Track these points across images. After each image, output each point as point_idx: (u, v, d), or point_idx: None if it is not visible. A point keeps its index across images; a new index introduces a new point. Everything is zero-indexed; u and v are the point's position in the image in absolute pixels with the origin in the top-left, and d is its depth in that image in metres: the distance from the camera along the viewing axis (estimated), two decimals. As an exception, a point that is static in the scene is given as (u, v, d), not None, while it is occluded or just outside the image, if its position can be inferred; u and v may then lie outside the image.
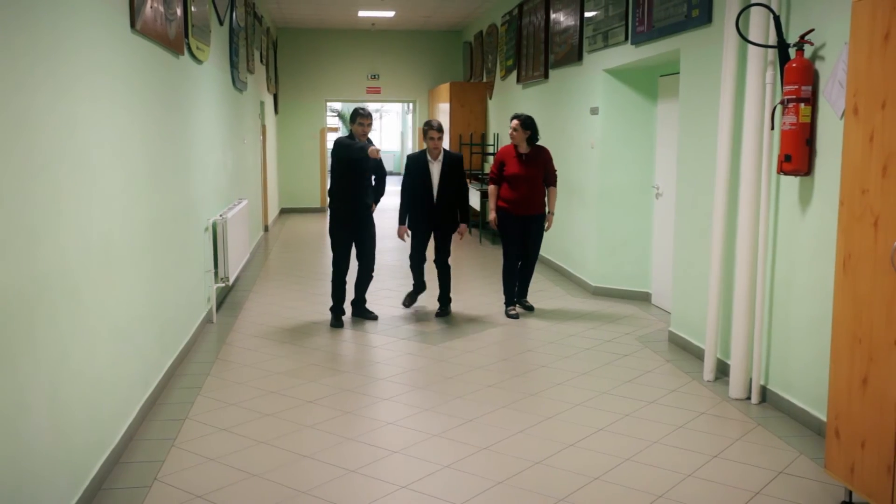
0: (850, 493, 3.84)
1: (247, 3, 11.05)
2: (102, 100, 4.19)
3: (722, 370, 5.82)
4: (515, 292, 8.24)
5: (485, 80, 15.37)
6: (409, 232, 8.02)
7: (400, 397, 5.57)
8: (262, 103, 13.64)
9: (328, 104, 18.62)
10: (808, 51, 4.93)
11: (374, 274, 7.82)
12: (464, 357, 6.53)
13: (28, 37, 3.17)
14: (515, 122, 7.88)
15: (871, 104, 3.67)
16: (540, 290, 9.38)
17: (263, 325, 7.57)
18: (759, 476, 4.19)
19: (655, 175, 8.62)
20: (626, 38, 7.99)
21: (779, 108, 5.13)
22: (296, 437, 4.74)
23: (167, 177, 5.78)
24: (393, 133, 31.45)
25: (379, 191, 7.89)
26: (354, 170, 7.36)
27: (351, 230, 7.54)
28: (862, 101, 3.73)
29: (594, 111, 9.09)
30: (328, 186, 7.74)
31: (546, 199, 8.16)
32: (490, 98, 15.03)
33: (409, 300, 8.41)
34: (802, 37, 4.95)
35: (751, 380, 5.42)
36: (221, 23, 8.67)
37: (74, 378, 3.68)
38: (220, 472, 4.23)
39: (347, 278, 7.70)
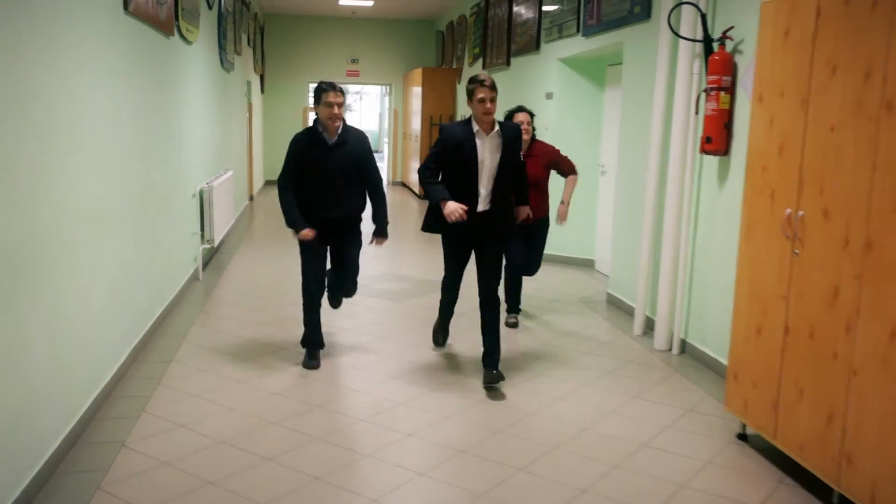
0: (745, 426, 4.10)
1: (235, -11, 11.01)
2: (98, 75, 4.29)
3: (649, 326, 6.04)
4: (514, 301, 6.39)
5: (454, 66, 15.37)
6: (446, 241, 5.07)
7: (366, 364, 5.70)
8: (248, 83, 13.61)
9: (311, 85, 18.59)
10: (729, 45, 5.12)
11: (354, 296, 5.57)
12: (421, 312, 6.66)
13: (29, 16, 3.30)
14: (524, 115, 5.98)
15: (772, 93, 3.87)
16: None
17: (245, 282, 7.67)
18: (672, 413, 4.44)
19: (601, 154, 8.80)
20: (578, 31, 8.10)
21: (703, 96, 5.33)
22: (269, 378, 4.89)
23: (158, 146, 5.87)
24: (372, 114, 31.35)
25: (380, 215, 5.29)
26: (322, 175, 4.96)
27: (326, 239, 5.13)
28: (766, 90, 3.93)
29: (549, 96, 9.21)
30: (279, 190, 5.09)
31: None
32: (459, 83, 14.99)
33: (443, 335, 5.62)
34: (724, 33, 5.14)
35: (672, 334, 5.67)
36: (210, 7, 8.69)
37: (70, 319, 3.82)
38: (201, 407, 4.38)
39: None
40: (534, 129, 6.08)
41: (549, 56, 9.22)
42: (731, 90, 5.08)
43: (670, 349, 5.66)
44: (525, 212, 5.30)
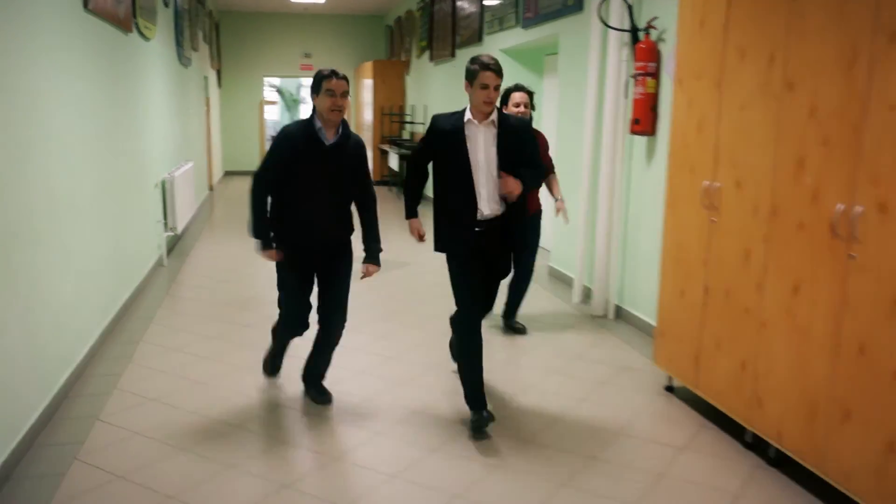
0: (671, 378, 4.30)
1: (190, -13, 10.88)
2: (59, 71, 4.26)
3: (587, 295, 6.21)
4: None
5: (403, 58, 15.36)
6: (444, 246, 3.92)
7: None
8: (205, 78, 13.45)
9: (266, 80, 18.39)
10: (653, 34, 5.26)
11: (343, 331, 4.10)
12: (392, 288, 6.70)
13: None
14: (522, 95, 4.96)
15: (691, 76, 4.02)
16: None
17: (209, 267, 7.65)
18: (607, 371, 4.62)
19: None
20: (517, 23, 8.19)
21: (631, 81, 5.48)
22: (234, 354, 4.93)
23: (120, 140, 5.82)
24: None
25: (374, 236, 4.04)
26: (313, 183, 3.80)
27: (312, 269, 4.00)
28: (685, 74, 4.09)
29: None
30: (253, 186, 3.86)
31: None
32: (408, 74, 15.08)
33: (476, 400, 3.81)
34: (649, 23, 5.29)
35: (608, 300, 5.85)
36: (167, 4, 8.58)
37: (43, 304, 3.83)
38: (171, 382, 4.41)
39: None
40: (533, 108, 5.12)
41: (492, 47, 9.27)
42: (656, 75, 5.24)
43: (606, 315, 5.83)
44: (510, 185, 3.70)
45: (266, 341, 4.47)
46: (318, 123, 3.74)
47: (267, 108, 18.77)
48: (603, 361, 4.80)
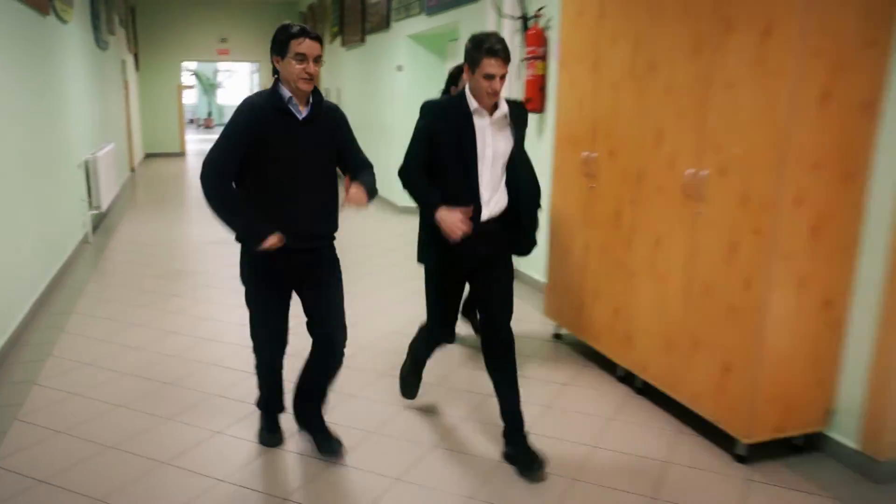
0: (558, 327, 4.63)
1: (104, -28, 10.53)
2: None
3: None
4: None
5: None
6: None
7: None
8: (123, 61, 13.05)
9: (183, 64, 17.94)
10: (541, 21, 5.52)
11: (345, 352, 3.09)
12: None
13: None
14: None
15: (572, 60, 4.29)
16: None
17: (134, 243, 7.56)
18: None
19: None
20: (422, 10, 8.34)
21: (522, 64, 5.75)
22: (164, 320, 4.98)
23: (41, 122, 5.71)
24: (243, 90, 30.31)
25: (369, 179, 3.03)
26: (288, 167, 2.86)
27: (292, 277, 3.00)
28: (567, 58, 4.35)
29: (400, 68, 9.39)
30: (208, 175, 2.83)
31: None
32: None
33: (416, 381, 3.61)
34: (537, 11, 5.54)
35: None
36: None
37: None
38: (104, 348, 4.45)
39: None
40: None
41: (399, 33, 9.41)
42: (544, 59, 5.50)
43: None
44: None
45: (190, 307, 4.48)
46: (286, 93, 2.80)
47: (186, 92, 18.28)
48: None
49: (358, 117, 11.75)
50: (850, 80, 2.79)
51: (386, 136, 10.20)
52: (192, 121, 26.89)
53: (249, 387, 3.83)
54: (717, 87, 3.06)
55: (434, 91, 9.19)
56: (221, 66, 27.33)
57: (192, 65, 26.18)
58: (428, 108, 3.05)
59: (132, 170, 13.86)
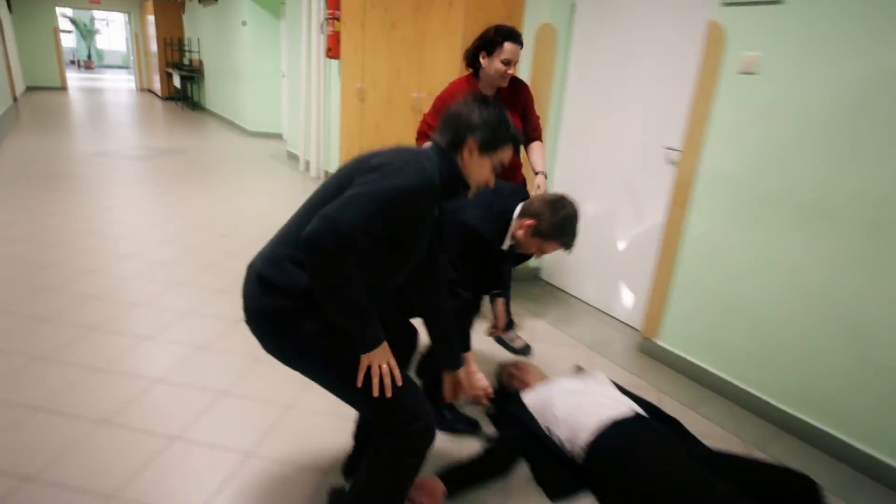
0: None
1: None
2: None
3: (307, 165, 6.65)
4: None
5: (181, 1, 13.70)
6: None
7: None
8: None
9: (58, 10, 15.47)
10: None
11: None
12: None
13: None
14: (514, 47, 2.30)
15: (348, 19, 4.48)
16: (214, 132, 9.17)
17: (19, 155, 6.82)
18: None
19: (281, 63, 8.81)
20: None
21: (325, 22, 5.80)
22: (37, 235, 4.31)
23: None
24: (119, 38, 26.69)
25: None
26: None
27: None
28: (346, 18, 4.51)
29: (244, 24, 8.94)
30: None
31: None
32: (184, 14, 13.60)
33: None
34: None
35: (319, 167, 6.34)
36: None
37: None
38: None
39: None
40: None
41: None
42: (339, 19, 5.58)
43: (319, 176, 6.34)
44: None
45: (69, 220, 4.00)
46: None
47: (64, 36, 15.86)
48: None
49: (215, 62, 11.09)
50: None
51: (234, 77, 9.78)
52: (73, 62, 23.45)
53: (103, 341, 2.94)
54: (427, 40, 3.47)
55: (271, 42, 8.92)
56: (97, 14, 23.82)
57: (69, 12, 22.56)
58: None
59: (14, 99, 12.11)
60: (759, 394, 2.40)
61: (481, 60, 2.35)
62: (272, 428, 2.15)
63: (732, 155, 2.36)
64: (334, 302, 1.21)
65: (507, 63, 2.30)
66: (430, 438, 1.36)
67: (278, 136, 9.26)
